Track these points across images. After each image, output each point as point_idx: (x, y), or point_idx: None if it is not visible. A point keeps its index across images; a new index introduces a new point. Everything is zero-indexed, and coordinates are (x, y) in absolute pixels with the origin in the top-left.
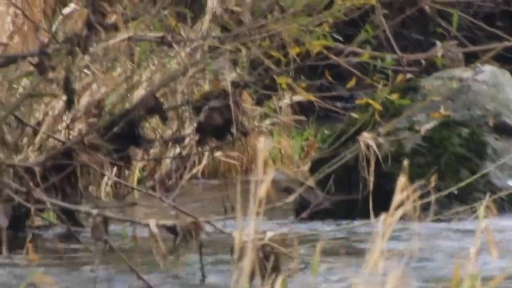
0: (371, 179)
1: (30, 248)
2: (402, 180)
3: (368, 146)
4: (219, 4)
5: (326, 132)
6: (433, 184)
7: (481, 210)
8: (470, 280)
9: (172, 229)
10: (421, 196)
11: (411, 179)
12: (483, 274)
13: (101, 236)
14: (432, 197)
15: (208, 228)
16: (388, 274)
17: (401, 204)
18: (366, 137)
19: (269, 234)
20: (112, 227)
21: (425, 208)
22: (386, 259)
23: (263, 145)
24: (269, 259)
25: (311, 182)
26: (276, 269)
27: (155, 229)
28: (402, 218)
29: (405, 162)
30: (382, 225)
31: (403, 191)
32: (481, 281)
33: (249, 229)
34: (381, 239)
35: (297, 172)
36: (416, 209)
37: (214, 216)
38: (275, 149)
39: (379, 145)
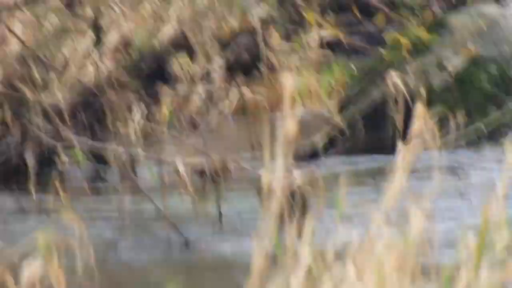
0: (399, 117)
1: (58, 186)
2: (419, 107)
3: (395, 83)
4: None
5: (353, 67)
6: (460, 119)
7: (507, 145)
8: (501, 224)
9: (199, 168)
10: (448, 131)
11: (439, 115)
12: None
13: (128, 175)
14: (459, 131)
15: (237, 167)
16: (413, 211)
17: (420, 133)
18: (393, 74)
19: (296, 173)
20: (140, 167)
21: (452, 142)
22: (407, 194)
23: (288, 80)
24: (297, 201)
25: (337, 119)
26: (303, 209)
27: (182, 167)
28: (426, 149)
29: (424, 92)
30: (403, 156)
31: (421, 119)
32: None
33: (276, 167)
34: (400, 172)
35: (323, 108)
36: (438, 139)
37: (242, 154)
38: (302, 85)
39: (406, 82)
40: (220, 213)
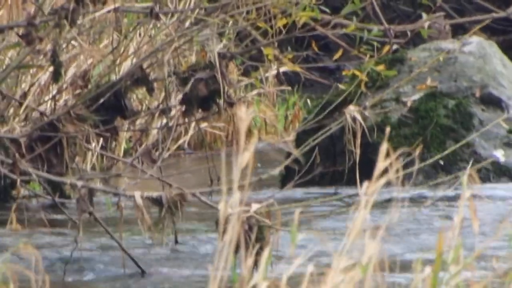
0: (357, 151)
1: (15, 219)
2: (384, 147)
3: (354, 118)
4: None
5: (311, 102)
6: (418, 154)
7: (464, 179)
8: (454, 251)
9: (157, 201)
10: (406, 166)
11: (397, 150)
12: (465, 243)
13: (86, 207)
14: (416, 166)
15: (193, 200)
16: (369, 244)
17: (384, 172)
18: (352, 109)
19: (254, 206)
20: (97, 198)
21: (410, 178)
22: (367, 229)
23: (246, 114)
24: (254, 231)
25: (295, 153)
26: (260, 240)
27: (140, 201)
28: (386, 186)
29: (388, 129)
30: (365, 193)
31: (386, 158)
32: (464, 250)
33: (234, 201)
34: (364, 208)
35: (281, 142)
36: (400, 177)
37: (199, 187)
38: (260, 119)
39: (365, 117)
40: (176, 242)
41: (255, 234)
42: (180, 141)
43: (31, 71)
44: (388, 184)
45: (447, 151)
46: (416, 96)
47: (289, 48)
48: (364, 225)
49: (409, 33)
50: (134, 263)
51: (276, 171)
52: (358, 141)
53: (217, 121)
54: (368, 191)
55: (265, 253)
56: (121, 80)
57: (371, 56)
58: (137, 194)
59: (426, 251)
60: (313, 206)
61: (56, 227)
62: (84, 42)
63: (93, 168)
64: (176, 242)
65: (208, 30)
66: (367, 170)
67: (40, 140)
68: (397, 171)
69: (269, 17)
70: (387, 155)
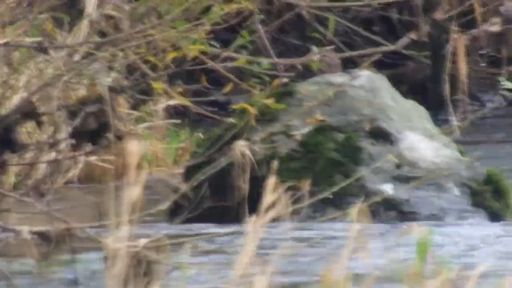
0: (246, 186)
1: None
2: (271, 181)
3: (243, 152)
4: (97, 9)
5: (201, 136)
6: (306, 188)
7: (353, 214)
8: (342, 283)
9: (44, 236)
10: (295, 201)
11: (286, 183)
12: (354, 277)
13: None
14: (306, 201)
15: (82, 234)
16: (257, 277)
17: (271, 205)
18: (241, 144)
19: (142, 241)
20: None
21: (298, 212)
22: (255, 262)
23: (135, 148)
24: (142, 266)
25: (184, 187)
26: (149, 275)
27: (27, 236)
28: (274, 221)
29: (275, 164)
30: (253, 227)
31: (273, 192)
32: (352, 283)
33: (122, 235)
34: (251, 241)
35: (170, 176)
36: (288, 211)
37: (88, 221)
38: (149, 153)
39: (254, 151)
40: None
41: (144, 269)
42: (69, 175)
43: None
44: (277, 218)
45: (336, 186)
46: (305, 130)
47: (179, 82)
48: (253, 259)
49: (299, 67)
50: None
51: (165, 205)
52: (247, 175)
53: (107, 154)
54: (255, 226)
55: (154, 287)
56: (10, 113)
57: (261, 90)
58: (25, 229)
59: (315, 284)
60: (203, 240)
61: None
62: None
63: None
64: (76, 283)
65: (97, 64)
66: (256, 205)
67: None
68: (285, 205)
69: (159, 51)
70: (275, 189)
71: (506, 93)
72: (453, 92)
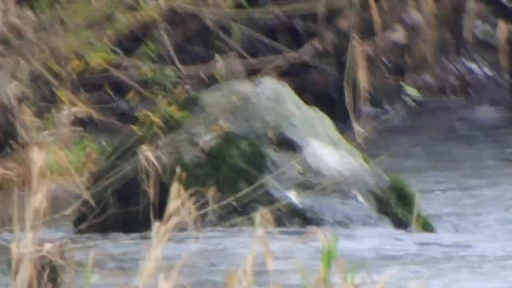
0: (151, 191)
1: None
2: (175, 187)
3: (147, 159)
4: (1, 17)
5: (105, 144)
6: (211, 194)
7: (257, 220)
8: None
9: None
10: (200, 207)
11: (191, 190)
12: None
13: None
14: (211, 207)
15: None
16: (161, 283)
17: (175, 211)
18: (145, 149)
19: (47, 246)
20: None
21: (203, 219)
22: (160, 269)
23: (38, 156)
24: (46, 271)
25: (87, 194)
26: (53, 280)
27: None
28: (180, 228)
29: (179, 170)
30: (157, 233)
31: (177, 198)
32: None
33: (26, 241)
34: (155, 248)
35: (74, 184)
36: (192, 217)
37: None
38: (52, 161)
39: (158, 158)
40: None
41: (48, 274)
42: None
43: None
44: (183, 225)
45: (240, 193)
46: (209, 137)
47: (82, 90)
48: (158, 265)
49: (203, 75)
50: None
51: (68, 211)
52: (151, 180)
53: (10, 162)
54: (160, 232)
55: None
56: None
57: (164, 97)
58: None
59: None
60: (108, 246)
61: None
62: None
63: None
64: None
65: (0, 72)
66: (161, 212)
67: None
68: (190, 211)
69: (62, 59)
70: (179, 195)
71: (408, 100)
72: (356, 100)
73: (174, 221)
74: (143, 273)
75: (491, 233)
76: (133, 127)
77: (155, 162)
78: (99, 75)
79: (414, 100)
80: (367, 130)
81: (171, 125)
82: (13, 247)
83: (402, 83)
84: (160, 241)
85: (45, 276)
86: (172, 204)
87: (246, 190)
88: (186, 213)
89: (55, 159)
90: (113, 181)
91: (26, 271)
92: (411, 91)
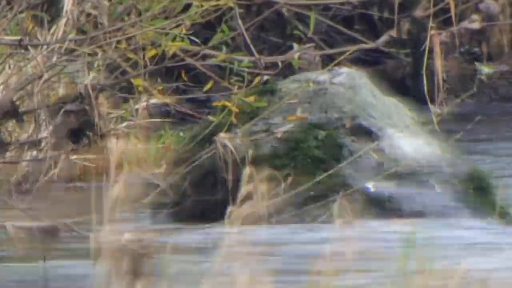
0: (230, 178)
1: None
2: (247, 170)
3: (225, 147)
4: (76, 7)
5: (182, 134)
6: (288, 182)
7: (335, 210)
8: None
9: (29, 231)
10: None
11: (268, 181)
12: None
13: None
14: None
15: (67, 230)
16: (238, 274)
17: (249, 196)
18: (223, 137)
19: (126, 236)
20: None
21: (279, 207)
22: (237, 259)
23: (116, 147)
24: (126, 261)
25: (165, 184)
26: (133, 270)
27: (11, 231)
28: (254, 215)
29: (255, 158)
30: (230, 218)
31: (249, 183)
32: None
33: (106, 231)
34: (229, 234)
35: (152, 174)
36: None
37: (72, 218)
38: (131, 152)
39: (236, 148)
40: (47, 276)
41: (127, 264)
42: (50, 173)
43: None
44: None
45: (316, 179)
46: (286, 127)
47: (159, 80)
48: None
49: (279, 64)
50: None
51: (146, 201)
52: (230, 167)
53: (88, 153)
54: (233, 217)
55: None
56: None
57: (241, 87)
58: (9, 224)
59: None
60: (186, 235)
61: None
62: None
63: None
64: (46, 275)
65: (77, 62)
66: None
67: None
68: (263, 197)
69: (139, 48)
70: (252, 179)
71: (484, 79)
72: (434, 89)
73: (247, 206)
74: (219, 259)
75: None
76: (210, 117)
77: (233, 150)
78: (175, 64)
79: (490, 78)
80: (445, 118)
81: (248, 115)
82: (93, 237)
83: (477, 64)
84: (234, 226)
85: (124, 265)
86: (244, 187)
87: (322, 175)
88: (259, 199)
89: (132, 149)
90: (191, 170)
91: (106, 261)
92: (486, 68)
